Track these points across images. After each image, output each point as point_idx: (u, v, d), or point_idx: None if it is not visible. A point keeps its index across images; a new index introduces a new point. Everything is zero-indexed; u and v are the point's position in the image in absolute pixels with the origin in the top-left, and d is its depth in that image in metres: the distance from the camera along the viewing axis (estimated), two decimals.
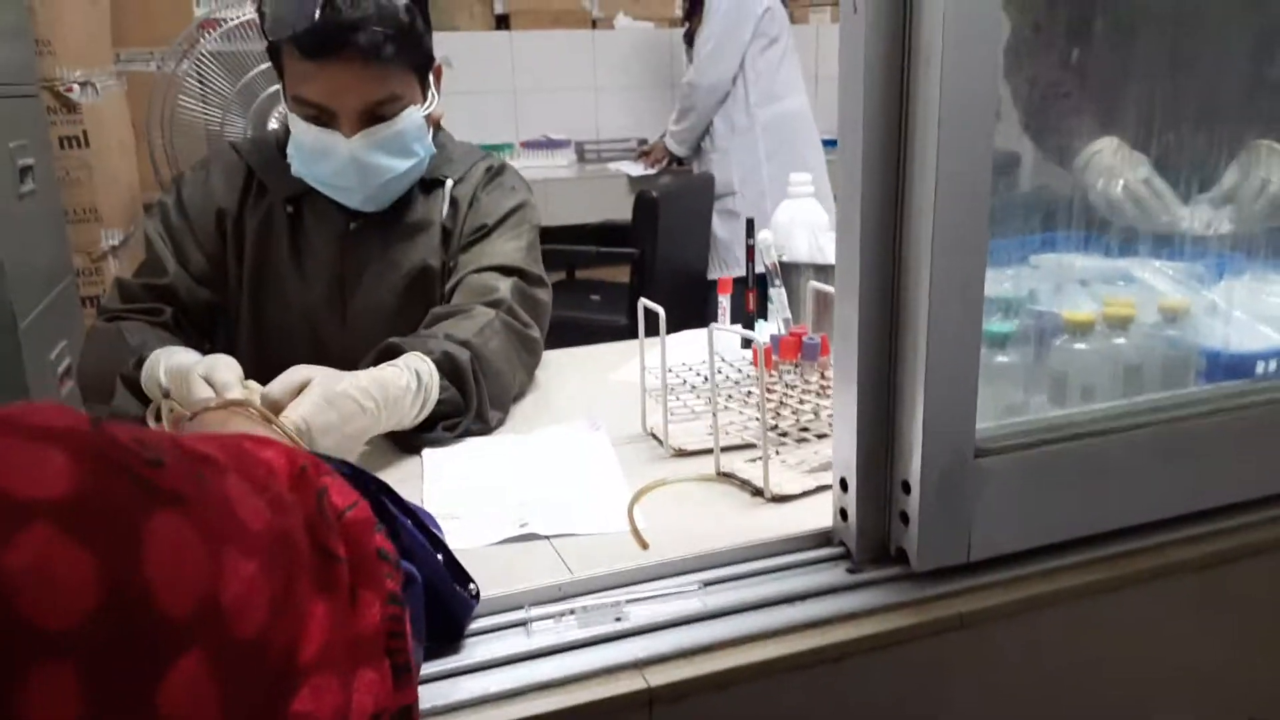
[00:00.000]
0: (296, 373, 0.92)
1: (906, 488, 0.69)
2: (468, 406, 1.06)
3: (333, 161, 1.20)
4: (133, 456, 0.32)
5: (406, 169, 1.23)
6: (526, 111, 3.69)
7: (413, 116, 1.22)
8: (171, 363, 1.07)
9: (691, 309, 3.15)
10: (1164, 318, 0.89)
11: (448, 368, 1.06)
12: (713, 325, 0.90)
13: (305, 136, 1.20)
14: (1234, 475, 0.80)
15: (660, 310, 0.93)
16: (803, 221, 1.18)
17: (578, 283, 3.42)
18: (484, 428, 1.08)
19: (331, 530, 0.42)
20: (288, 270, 1.30)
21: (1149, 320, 0.89)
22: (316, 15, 1.12)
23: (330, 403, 0.89)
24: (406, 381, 0.98)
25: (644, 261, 2.86)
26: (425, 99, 1.25)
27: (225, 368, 0.94)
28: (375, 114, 1.19)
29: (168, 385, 1.06)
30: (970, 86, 0.60)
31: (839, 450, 0.72)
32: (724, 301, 1.28)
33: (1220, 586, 0.78)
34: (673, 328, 0.97)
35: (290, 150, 1.23)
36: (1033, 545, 0.73)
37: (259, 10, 1.19)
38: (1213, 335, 0.92)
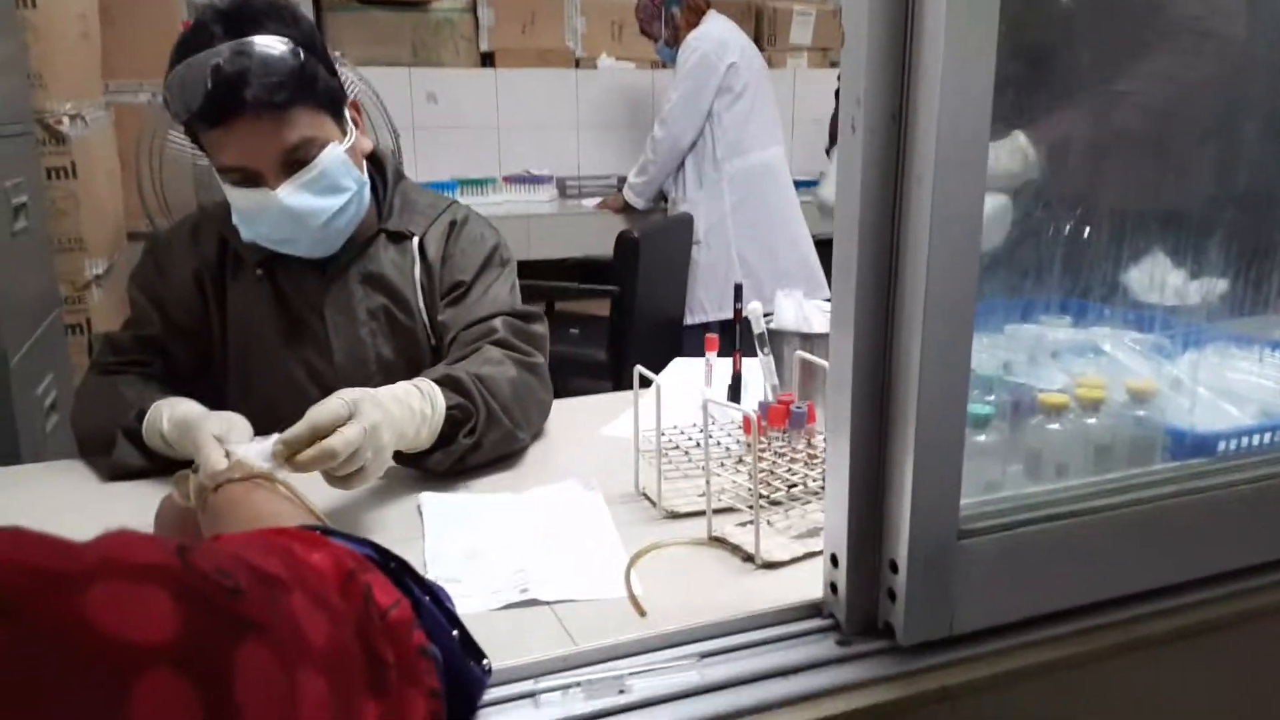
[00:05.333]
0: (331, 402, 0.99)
1: (894, 567, 0.73)
2: (476, 411, 1.12)
3: (268, 217, 1.20)
4: (218, 589, 0.36)
5: (341, 205, 1.23)
6: (509, 147, 3.73)
7: (334, 153, 1.21)
8: (176, 414, 1.09)
9: (669, 347, 3.19)
10: (1132, 398, 0.94)
11: (449, 383, 1.12)
12: (706, 399, 0.94)
13: (239, 201, 1.21)
14: (1198, 551, 0.85)
15: (656, 378, 0.96)
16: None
17: (557, 315, 3.45)
18: (509, 441, 1.16)
19: (379, 633, 0.45)
20: (271, 332, 1.31)
21: (1118, 400, 0.94)
22: (208, 86, 1.13)
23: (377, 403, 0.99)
24: (407, 388, 1.07)
25: (623, 299, 2.90)
26: (345, 135, 1.25)
27: (239, 429, 0.97)
28: (295, 160, 1.19)
29: (171, 435, 1.08)
30: (958, 205, 0.64)
31: (830, 529, 0.76)
32: (710, 358, 1.32)
33: (1190, 658, 0.83)
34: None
35: (234, 220, 1.24)
36: (1011, 620, 0.77)
37: (164, 102, 1.20)
38: (1179, 414, 0.97)
